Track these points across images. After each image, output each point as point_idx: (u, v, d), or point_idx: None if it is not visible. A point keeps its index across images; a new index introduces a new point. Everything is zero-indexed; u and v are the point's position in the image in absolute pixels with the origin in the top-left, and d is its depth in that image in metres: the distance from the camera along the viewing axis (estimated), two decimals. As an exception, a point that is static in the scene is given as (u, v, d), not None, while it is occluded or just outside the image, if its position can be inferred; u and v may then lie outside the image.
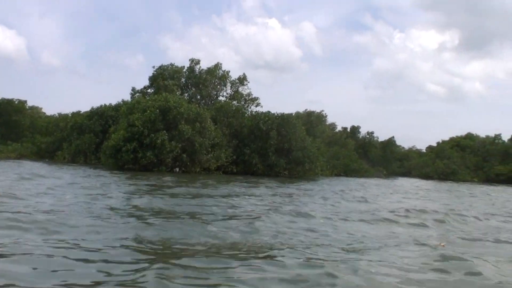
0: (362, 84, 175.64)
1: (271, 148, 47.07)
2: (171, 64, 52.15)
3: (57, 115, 67.55)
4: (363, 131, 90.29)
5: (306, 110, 76.47)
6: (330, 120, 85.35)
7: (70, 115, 58.87)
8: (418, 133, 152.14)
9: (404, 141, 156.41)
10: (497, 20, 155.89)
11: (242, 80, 55.49)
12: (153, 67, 51.87)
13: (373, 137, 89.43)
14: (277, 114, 49.34)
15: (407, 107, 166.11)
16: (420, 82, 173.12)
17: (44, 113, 73.72)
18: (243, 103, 54.91)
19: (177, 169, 42.78)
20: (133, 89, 50.39)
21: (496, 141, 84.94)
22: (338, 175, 65.06)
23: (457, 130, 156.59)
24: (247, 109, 54.19)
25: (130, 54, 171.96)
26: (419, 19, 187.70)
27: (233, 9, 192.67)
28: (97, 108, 53.69)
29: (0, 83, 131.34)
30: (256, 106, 56.10)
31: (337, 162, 67.15)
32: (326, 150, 69.33)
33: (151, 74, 51.73)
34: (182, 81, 53.14)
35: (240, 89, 55.68)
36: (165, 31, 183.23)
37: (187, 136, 41.59)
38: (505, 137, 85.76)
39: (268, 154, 47.03)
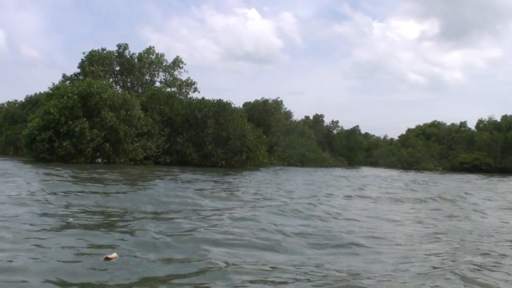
0: (343, 75, 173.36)
1: (208, 137, 44.18)
2: (103, 49, 48.86)
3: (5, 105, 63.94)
4: (327, 120, 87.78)
5: (262, 98, 73.29)
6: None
7: (5, 104, 55.61)
8: (398, 123, 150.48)
9: (383, 131, 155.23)
10: (475, 10, 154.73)
11: (176, 63, 52.04)
12: (83, 53, 48.57)
13: (337, 126, 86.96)
14: (214, 100, 46.39)
15: (388, 97, 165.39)
16: (401, 72, 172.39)
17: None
18: (177, 89, 51.59)
19: (99, 160, 39.75)
20: (63, 75, 46.96)
21: (462, 128, 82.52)
22: (293, 164, 62.45)
23: (438, 119, 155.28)
24: (185, 95, 51.04)
25: (109, 46, 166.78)
26: (398, 9, 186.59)
27: (212, 0, 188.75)
28: (31, 97, 50.51)
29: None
30: (194, 91, 52.95)
31: (293, 151, 64.48)
32: (282, 139, 66.83)
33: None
34: (115, 68, 49.79)
35: (176, 73, 52.34)
36: (144, 23, 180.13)
37: (110, 124, 38.56)
38: (471, 125, 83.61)
39: (205, 143, 44.18)
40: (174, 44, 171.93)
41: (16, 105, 51.82)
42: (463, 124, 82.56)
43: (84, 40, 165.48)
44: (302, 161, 64.23)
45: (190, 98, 49.01)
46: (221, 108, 45.22)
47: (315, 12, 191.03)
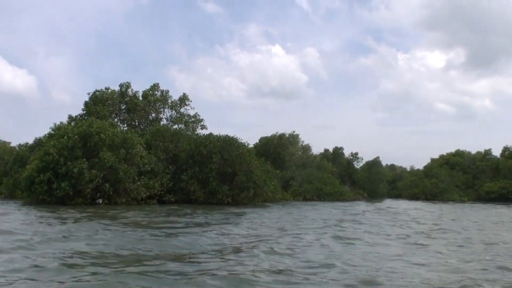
0: (370, 107, 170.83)
1: (212, 173, 42.80)
2: (107, 88, 48.37)
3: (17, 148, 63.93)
4: (347, 152, 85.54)
5: (277, 132, 71.95)
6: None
7: (16, 147, 55.46)
8: (427, 154, 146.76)
9: (411, 162, 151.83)
10: (501, 36, 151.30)
11: (183, 100, 51.15)
12: (88, 93, 48.18)
13: (357, 158, 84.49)
14: (220, 136, 45.17)
15: (416, 128, 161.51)
16: (428, 102, 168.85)
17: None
18: (183, 126, 50.53)
19: (100, 201, 38.62)
20: (69, 116, 46.58)
21: (487, 156, 79.36)
22: (309, 199, 60.53)
23: (468, 148, 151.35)
24: (191, 132, 49.93)
25: (137, 88, 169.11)
26: (421, 40, 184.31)
27: (235, 38, 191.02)
28: (39, 139, 50.09)
29: (14, 121, 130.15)
30: (201, 128, 51.82)
31: (309, 186, 62.59)
32: (298, 173, 65.11)
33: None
34: (121, 107, 49.17)
35: (182, 110, 51.37)
36: (171, 64, 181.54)
37: (109, 164, 37.58)
38: (497, 152, 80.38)
39: (209, 180, 42.79)
40: (201, 83, 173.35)
41: (25, 147, 51.48)
42: (487, 152, 79.47)
43: (113, 83, 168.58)
44: (319, 195, 62.24)
45: (196, 134, 47.77)
46: (226, 143, 43.90)
47: (339, 46, 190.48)
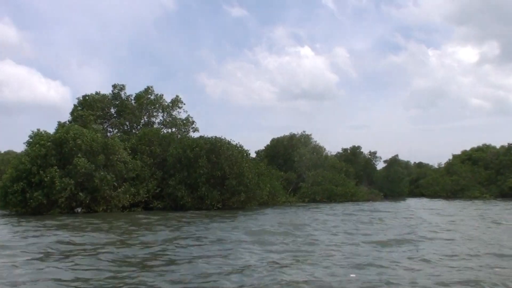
0: (403, 105, 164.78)
1: (201, 178, 39.53)
2: (97, 93, 45.60)
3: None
4: (365, 151, 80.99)
5: (290, 133, 68.22)
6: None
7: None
8: (459, 150, 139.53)
9: (443, 159, 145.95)
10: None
11: (175, 103, 47.92)
12: (77, 98, 45.60)
13: (376, 157, 79.89)
14: (208, 138, 41.84)
15: (450, 124, 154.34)
16: (462, 98, 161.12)
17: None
18: (175, 129, 47.38)
19: (79, 210, 35.84)
20: (59, 123, 43.95)
21: (511, 151, 73.43)
22: (319, 201, 56.61)
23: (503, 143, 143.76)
24: (184, 135, 46.71)
25: (169, 96, 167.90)
26: (452, 35, 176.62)
27: (263, 42, 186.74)
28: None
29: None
30: (194, 131, 48.46)
31: (318, 187, 58.63)
32: (308, 174, 61.29)
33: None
34: (111, 111, 46.30)
35: (175, 113, 48.16)
36: (201, 69, 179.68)
37: (83, 171, 34.77)
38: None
39: (198, 185, 39.56)
40: (231, 87, 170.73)
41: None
42: (511, 146, 73.47)
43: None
44: (330, 197, 58.20)
45: (184, 137, 44.49)
46: (213, 146, 40.55)
47: (368, 44, 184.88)
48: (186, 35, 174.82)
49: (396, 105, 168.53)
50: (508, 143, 74.01)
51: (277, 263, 13.20)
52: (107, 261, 13.76)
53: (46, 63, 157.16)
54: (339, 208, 42.45)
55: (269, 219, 29.55)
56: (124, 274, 11.99)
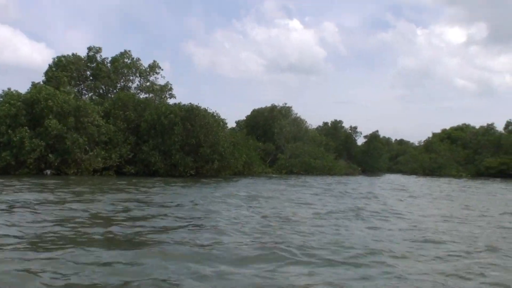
0: (389, 83, 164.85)
1: (175, 145, 39.05)
2: (73, 54, 44.48)
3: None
4: (346, 126, 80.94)
5: (272, 104, 67.69)
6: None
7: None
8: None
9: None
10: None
11: (152, 68, 46.97)
12: (53, 58, 44.52)
13: (356, 132, 79.91)
14: (183, 105, 41.22)
15: (436, 104, 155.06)
16: (448, 78, 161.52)
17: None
18: (152, 95, 46.58)
19: (48, 172, 35.17)
20: (32, 83, 42.87)
21: (490, 131, 73.68)
22: (297, 173, 56.44)
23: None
24: (162, 102, 45.91)
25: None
26: (441, 15, 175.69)
27: (252, 13, 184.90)
28: None
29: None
30: (170, 97, 47.68)
31: (296, 160, 58.43)
32: (287, 146, 61.07)
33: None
34: (87, 73, 45.26)
35: (152, 79, 47.27)
36: (189, 38, 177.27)
37: (55, 132, 34.09)
38: (500, 127, 74.63)
39: (172, 152, 39.09)
40: (219, 58, 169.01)
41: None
42: (490, 127, 73.69)
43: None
44: (307, 170, 58.05)
45: (160, 103, 43.70)
46: (189, 113, 39.96)
47: (358, 21, 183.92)
48: (175, 2, 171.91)
49: (382, 83, 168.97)
50: (488, 124, 74.33)
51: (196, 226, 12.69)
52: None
53: (31, 24, 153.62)
54: (309, 180, 42.20)
55: (227, 188, 28.78)
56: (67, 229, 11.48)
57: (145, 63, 47.31)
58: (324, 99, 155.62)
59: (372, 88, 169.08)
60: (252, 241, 10.60)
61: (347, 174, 61.39)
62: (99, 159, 36.57)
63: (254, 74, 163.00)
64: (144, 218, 13.87)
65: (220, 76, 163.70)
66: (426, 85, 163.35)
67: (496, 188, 37.66)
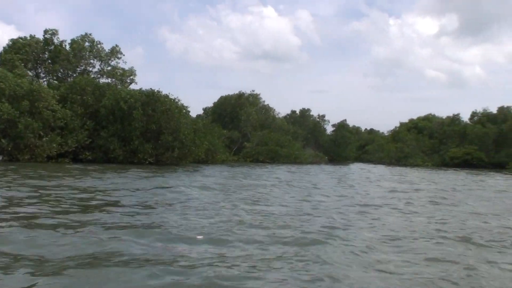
0: (362, 73, 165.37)
1: (135, 131, 37.99)
2: (31, 36, 42.82)
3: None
4: (314, 114, 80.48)
5: (239, 91, 66.76)
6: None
7: None
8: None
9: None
10: (494, 4, 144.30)
11: (113, 52, 45.56)
12: (9, 40, 42.84)
13: (324, 120, 79.58)
14: (143, 90, 40.13)
15: (407, 94, 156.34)
16: (420, 69, 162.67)
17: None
18: (113, 80, 45.24)
19: (0, 157, 33.88)
20: (-15, 65, 41.13)
21: (456, 122, 74.18)
22: (263, 161, 55.92)
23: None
24: (122, 86, 44.57)
25: (129, 48, 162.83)
26: (414, 5, 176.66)
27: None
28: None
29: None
30: (130, 83, 46.36)
31: (262, 148, 57.87)
32: (254, 134, 60.45)
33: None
34: (45, 56, 43.59)
35: (114, 63, 45.82)
36: (162, 24, 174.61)
37: (6, 116, 32.73)
38: (467, 118, 75.24)
39: (131, 138, 38.02)
40: (192, 44, 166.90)
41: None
42: (456, 117, 74.24)
43: (105, 43, 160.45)
44: (273, 158, 57.55)
45: (119, 88, 42.36)
46: (150, 98, 38.89)
47: (332, 9, 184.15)
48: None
49: (355, 72, 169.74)
50: (453, 114, 74.85)
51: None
52: None
53: (0, 6, 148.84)
54: (271, 168, 41.74)
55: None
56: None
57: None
58: (298, 88, 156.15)
59: (345, 77, 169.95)
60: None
61: (312, 163, 61.16)
62: (54, 145, 35.27)
63: (227, 61, 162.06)
64: None
65: (193, 62, 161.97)
66: (398, 74, 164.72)
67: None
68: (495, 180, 36.08)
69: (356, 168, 52.49)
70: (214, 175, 29.74)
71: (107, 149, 37.70)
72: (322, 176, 34.97)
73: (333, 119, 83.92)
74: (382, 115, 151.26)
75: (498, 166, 60.89)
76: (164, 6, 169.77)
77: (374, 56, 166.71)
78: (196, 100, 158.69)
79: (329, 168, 50.15)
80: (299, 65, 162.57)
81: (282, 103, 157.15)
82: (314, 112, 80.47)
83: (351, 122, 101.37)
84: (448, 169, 56.27)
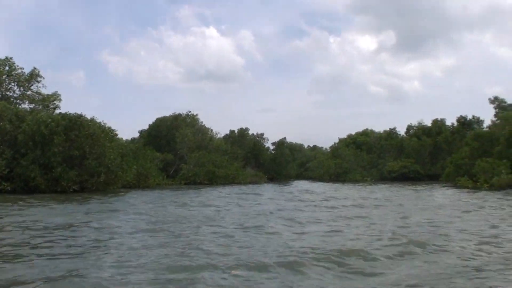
0: (306, 90, 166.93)
1: (57, 157, 35.97)
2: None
3: None
4: (253, 133, 79.60)
5: (174, 112, 65.35)
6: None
7: None
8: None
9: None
10: (429, 20, 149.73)
11: (33, 76, 43.37)
12: None
13: (263, 138, 78.74)
14: (66, 114, 38.23)
15: (350, 110, 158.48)
16: (362, 85, 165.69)
17: None
18: (34, 105, 43.08)
19: None
20: None
21: (393, 135, 75.24)
22: (200, 183, 54.48)
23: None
24: (46, 112, 42.31)
25: (70, 72, 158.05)
26: (352, 23, 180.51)
27: (168, 21, 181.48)
28: None
29: None
30: (54, 108, 44.18)
31: (199, 169, 56.45)
32: (190, 156, 58.98)
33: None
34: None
35: (34, 87, 43.61)
36: (103, 47, 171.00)
37: None
38: (403, 131, 76.50)
39: (53, 165, 35.95)
40: (134, 66, 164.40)
41: None
42: (392, 131, 75.37)
43: (47, 66, 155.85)
44: (211, 179, 56.17)
45: (39, 112, 40.17)
46: (73, 122, 37.02)
47: (273, 29, 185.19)
48: (89, 11, 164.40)
49: (300, 90, 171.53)
50: (390, 128, 75.94)
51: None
52: None
53: None
54: (202, 192, 40.59)
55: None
56: None
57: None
58: (244, 107, 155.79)
59: (290, 95, 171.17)
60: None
61: (252, 182, 60.25)
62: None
63: (171, 82, 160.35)
64: None
65: (137, 84, 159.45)
66: (340, 91, 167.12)
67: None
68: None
69: (277, 189, 51.57)
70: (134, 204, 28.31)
71: (28, 177, 35.49)
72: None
73: (278, 137, 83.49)
74: (326, 131, 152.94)
75: (435, 178, 61.76)
76: (105, 29, 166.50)
77: (317, 74, 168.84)
78: (142, 122, 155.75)
79: (257, 188, 49.35)
80: (244, 84, 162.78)
81: (228, 123, 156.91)
82: (258, 131, 79.79)
83: (296, 139, 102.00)
84: (386, 183, 56.63)
